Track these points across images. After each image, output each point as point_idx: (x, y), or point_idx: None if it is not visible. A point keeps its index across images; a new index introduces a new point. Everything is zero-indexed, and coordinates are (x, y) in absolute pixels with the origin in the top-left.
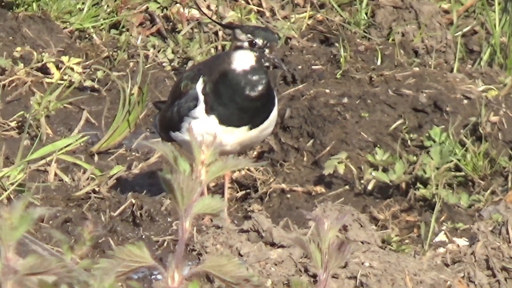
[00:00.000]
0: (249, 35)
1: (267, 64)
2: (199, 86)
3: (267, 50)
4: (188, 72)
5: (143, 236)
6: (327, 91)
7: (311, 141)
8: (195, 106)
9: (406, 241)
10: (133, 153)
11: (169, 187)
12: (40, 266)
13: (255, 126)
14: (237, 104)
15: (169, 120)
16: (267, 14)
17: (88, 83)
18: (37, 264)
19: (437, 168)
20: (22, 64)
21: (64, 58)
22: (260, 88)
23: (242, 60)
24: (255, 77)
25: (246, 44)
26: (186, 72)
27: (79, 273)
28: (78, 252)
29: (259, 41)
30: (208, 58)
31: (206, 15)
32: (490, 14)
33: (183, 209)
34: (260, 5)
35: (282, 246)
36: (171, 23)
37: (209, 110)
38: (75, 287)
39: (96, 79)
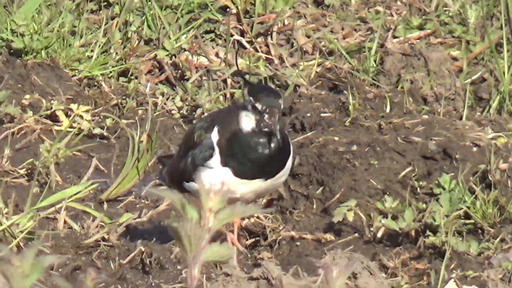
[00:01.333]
0: (251, 98)
1: (265, 129)
2: (214, 136)
3: (266, 116)
4: (201, 123)
5: (153, 284)
6: (336, 138)
7: (321, 188)
8: (211, 156)
9: None
10: (142, 201)
11: (176, 235)
12: None
13: (270, 177)
14: (250, 161)
15: (182, 171)
16: (276, 61)
17: (97, 130)
18: None
19: (447, 216)
20: (31, 112)
21: (73, 106)
22: (272, 146)
23: (246, 121)
24: (262, 139)
25: (249, 106)
26: (198, 123)
27: None
28: None
29: (259, 106)
30: (220, 109)
31: (239, 71)
32: (499, 61)
33: (191, 256)
34: (268, 52)
35: None
36: (179, 71)
37: (223, 162)
38: None
39: (105, 127)
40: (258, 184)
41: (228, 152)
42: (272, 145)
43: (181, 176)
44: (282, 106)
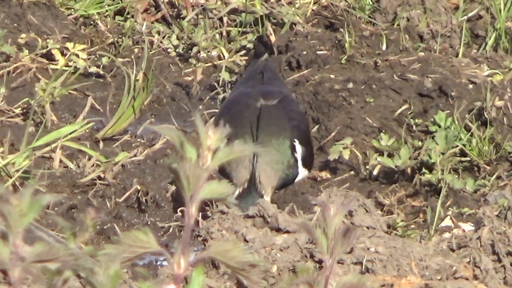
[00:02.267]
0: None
1: None
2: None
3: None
4: None
5: (149, 222)
6: (332, 76)
7: (316, 126)
8: None
9: (412, 226)
10: (138, 139)
11: (175, 174)
12: (48, 254)
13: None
14: None
15: None
16: None
17: (93, 69)
18: (45, 252)
19: (443, 153)
20: (27, 51)
21: (69, 45)
22: None
23: None
24: None
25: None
26: None
27: (84, 260)
28: (81, 239)
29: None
30: None
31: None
32: None
33: (189, 195)
34: None
35: (287, 232)
36: (175, 9)
37: None
38: (81, 274)
39: (101, 66)
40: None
41: None
42: None
43: None
44: None
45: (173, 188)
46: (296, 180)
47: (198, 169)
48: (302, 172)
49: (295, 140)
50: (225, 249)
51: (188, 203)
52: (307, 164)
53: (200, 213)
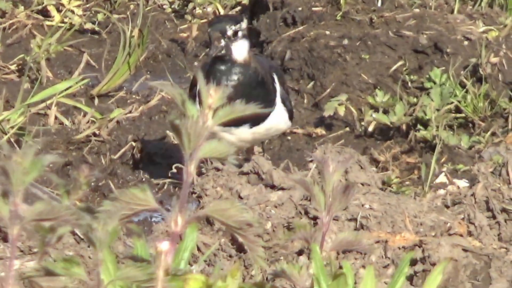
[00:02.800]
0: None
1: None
2: None
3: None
4: None
5: (143, 179)
6: (327, 33)
7: (311, 83)
8: None
9: (407, 182)
10: (133, 96)
11: (176, 131)
12: (49, 213)
13: (254, 125)
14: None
15: None
16: None
17: (88, 25)
18: (46, 211)
19: (438, 110)
20: (22, 7)
21: (65, 1)
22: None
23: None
24: (219, 66)
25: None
26: None
27: (83, 217)
28: (75, 196)
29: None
30: None
31: None
32: None
33: (188, 153)
34: None
35: (282, 189)
36: None
37: None
38: (79, 230)
39: (97, 22)
40: (244, 135)
41: None
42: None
43: None
44: (230, 32)
45: (168, 144)
46: (274, 122)
47: (199, 127)
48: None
49: (273, 73)
50: (222, 208)
51: (187, 161)
52: (286, 106)
53: (195, 170)
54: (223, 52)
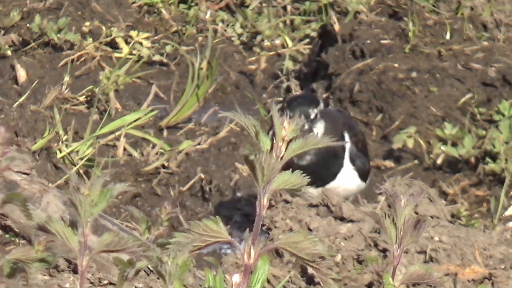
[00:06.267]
0: (285, 104)
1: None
2: None
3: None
4: None
5: (212, 211)
6: (396, 65)
7: (380, 115)
8: None
9: (476, 215)
10: (202, 128)
11: (250, 165)
12: (116, 244)
13: (320, 185)
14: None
15: None
16: None
17: (157, 57)
18: (114, 242)
19: (506, 143)
20: (91, 39)
21: (133, 33)
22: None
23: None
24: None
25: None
26: None
27: (153, 250)
28: (155, 232)
29: (288, 112)
30: None
31: None
32: None
33: (262, 186)
34: None
35: (351, 221)
36: None
37: None
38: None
39: (165, 54)
40: (313, 190)
41: None
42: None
43: None
44: (312, 116)
45: (237, 176)
46: (345, 183)
47: (273, 160)
48: (352, 174)
49: (345, 131)
50: (295, 240)
51: (260, 193)
52: (355, 165)
53: None
54: None
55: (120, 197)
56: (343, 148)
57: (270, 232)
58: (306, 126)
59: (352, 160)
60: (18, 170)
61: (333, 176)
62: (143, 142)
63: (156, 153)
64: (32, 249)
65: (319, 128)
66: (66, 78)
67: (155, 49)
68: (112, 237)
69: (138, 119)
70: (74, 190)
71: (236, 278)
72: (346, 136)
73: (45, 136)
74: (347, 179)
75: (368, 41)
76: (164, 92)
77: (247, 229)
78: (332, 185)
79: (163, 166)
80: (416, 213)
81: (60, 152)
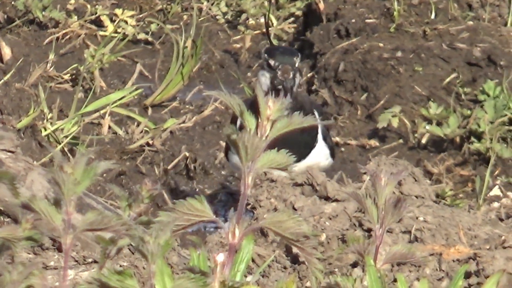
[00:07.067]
0: (266, 55)
1: (279, 86)
2: None
3: (279, 72)
4: None
5: (197, 190)
6: (381, 44)
7: (365, 94)
8: None
9: (460, 195)
10: (187, 106)
11: (233, 144)
12: (100, 223)
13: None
14: None
15: None
16: None
17: (141, 36)
18: (97, 221)
19: (491, 122)
20: (75, 17)
21: (118, 11)
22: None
23: (263, 80)
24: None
25: (265, 64)
26: None
27: (135, 229)
28: (136, 209)
29: (272, 63)
30: None
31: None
32: None
33: (246, 165)
34: None
35: (336, 200)
36: None
37: None
38: (131, 242)
39: (150, 32)
40: (284, 174)
41: None
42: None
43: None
44: (296, 65)
45: (222, 155)
46: (316, 158)
47: (257, 139)
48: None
49: (314, 110)
50: (279, 220)
51: (245, 172)
52: (327, 143)
53: None
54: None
55: (104, 175)
56: (316, 126)
57: (254, 211)
58: (291, 75)
59: (324, 138)
60: (2, 148)
61: (307, 153)
62: (128, 120)
63: (141, 131)
64: (19, 228)
65: (298, 80)
66: (51, 56)
67: (140, 27)
68: (95, 216)
69: (123, 97)
70: (57, 168)
71: (221, 257)
72: (316, 115)
73: (30, 114)
74: (321, 156)
75: (353, 20)
76: (149, 71)
77: (232, 208)
78: (307, 162)
79: (148, 144)
80: (401, 192)
81: (45, 130)
